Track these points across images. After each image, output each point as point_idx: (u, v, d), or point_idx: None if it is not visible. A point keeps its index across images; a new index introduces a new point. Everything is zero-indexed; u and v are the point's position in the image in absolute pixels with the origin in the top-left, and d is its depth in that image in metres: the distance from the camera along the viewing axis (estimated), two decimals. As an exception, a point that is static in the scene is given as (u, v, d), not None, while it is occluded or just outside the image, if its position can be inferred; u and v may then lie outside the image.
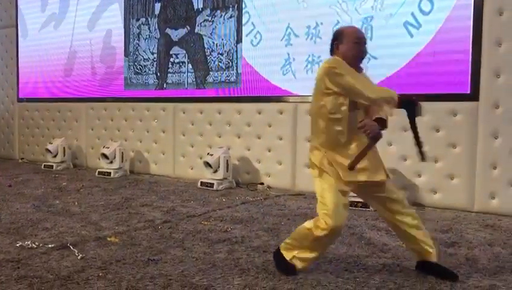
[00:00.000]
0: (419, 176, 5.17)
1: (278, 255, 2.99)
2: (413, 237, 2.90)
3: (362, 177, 2.81)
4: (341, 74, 2.75)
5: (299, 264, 2.89)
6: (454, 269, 3.05)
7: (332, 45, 2.96)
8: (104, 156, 7.08)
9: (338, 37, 2.93)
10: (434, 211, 4.88)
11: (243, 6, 6.36)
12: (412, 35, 5.17)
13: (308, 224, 2.82)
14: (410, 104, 2.77)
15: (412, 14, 5.14)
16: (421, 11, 5.10)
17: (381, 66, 5.32)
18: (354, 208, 4.85)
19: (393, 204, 2.89)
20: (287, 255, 2.91)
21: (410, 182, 5.20)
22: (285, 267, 2.92)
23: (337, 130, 2.82)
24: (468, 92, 4.89)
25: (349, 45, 2.87)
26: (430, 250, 2.91)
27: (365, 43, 2.93)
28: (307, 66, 5.86)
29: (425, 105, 5.11)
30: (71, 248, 3.39)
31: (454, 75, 4.95)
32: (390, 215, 2.92)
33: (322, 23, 5.74)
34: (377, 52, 5.35)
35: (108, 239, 3.66)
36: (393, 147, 5.29)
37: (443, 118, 5.02)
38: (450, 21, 4.94)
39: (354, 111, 2.82)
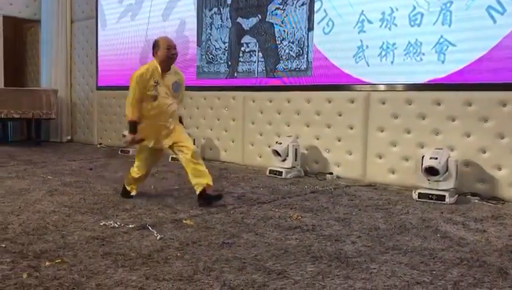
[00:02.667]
0: (499, 169, 4.91)
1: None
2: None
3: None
4: (132, 84, 4.30)
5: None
6: (540, 267, 2.89)
7: (152, 51, 4.41)
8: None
9: (155, 46, 4.39)
10: (515, 207, 4.63)
11: (315, -7, 6.29)
12: (495, 21, 4.89)
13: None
14: None
15: (496, -2, 4.86)
16: (507, -6, 4.81)
17: (461, 52, 5.08)
18: (428, 200, 4.72)
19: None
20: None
21: (489, 175, 4.95)
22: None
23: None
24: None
25: (163, 51, 4.32)
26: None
27: (175, 48, 4.37)
28: (380, 53, 5.70)
29: (507, 95, 4.86)
30: (150, 228, 3.57)
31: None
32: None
33: (397, 9, 5.56)
34: (457, 38, 5.12)
35: (184, 222, 3.81)
36: (472, 139, 5.06)
37: (528, 109, 4.73)
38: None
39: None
